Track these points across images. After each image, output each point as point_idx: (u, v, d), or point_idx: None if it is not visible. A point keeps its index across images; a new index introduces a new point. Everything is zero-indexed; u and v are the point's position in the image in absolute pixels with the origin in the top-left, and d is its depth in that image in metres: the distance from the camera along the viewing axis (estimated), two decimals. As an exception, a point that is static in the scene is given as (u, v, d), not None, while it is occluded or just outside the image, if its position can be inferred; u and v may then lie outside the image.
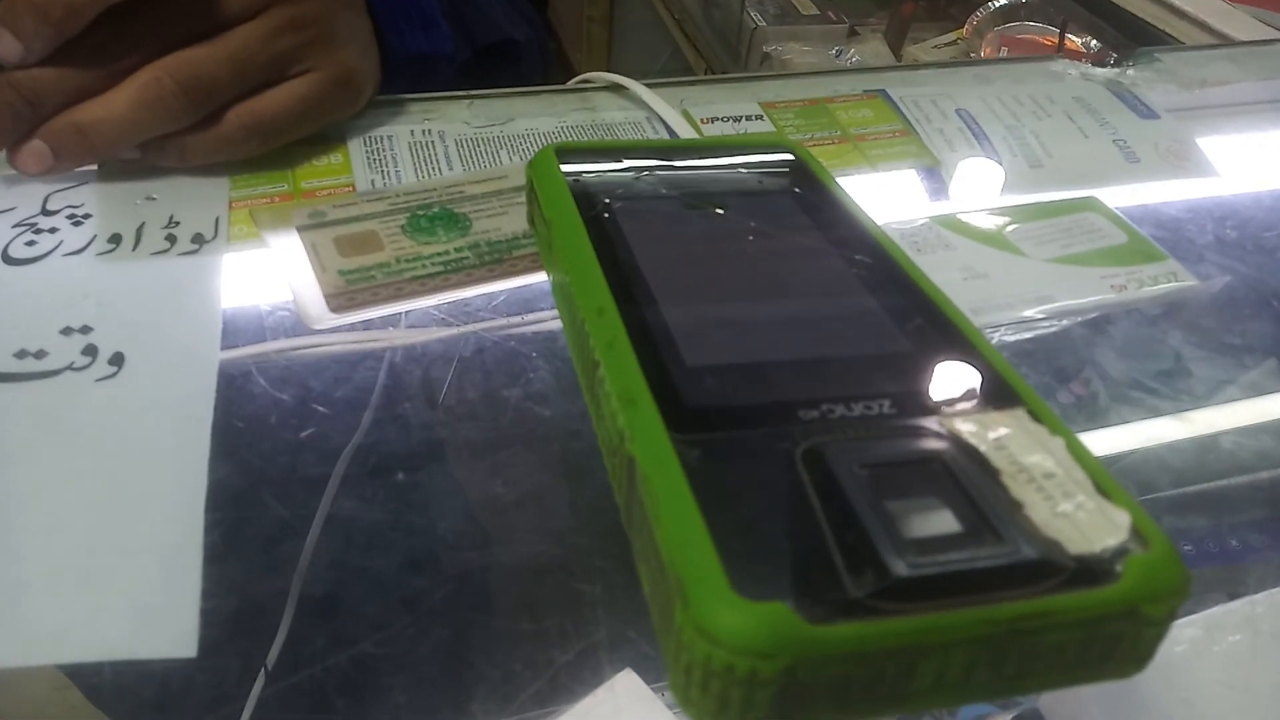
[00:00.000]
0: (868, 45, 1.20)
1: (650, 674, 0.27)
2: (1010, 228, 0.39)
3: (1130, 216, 0.41)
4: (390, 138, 0.41)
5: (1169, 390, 0.32)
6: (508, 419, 0.26)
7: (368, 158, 0.40)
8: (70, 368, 0.31)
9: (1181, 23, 0.77)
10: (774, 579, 0.18)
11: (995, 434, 0.22)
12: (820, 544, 0.19)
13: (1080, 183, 0.44)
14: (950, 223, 0.39)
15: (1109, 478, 0.21)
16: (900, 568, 0.18)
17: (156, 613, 0.26)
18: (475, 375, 0.30)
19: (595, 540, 0.26)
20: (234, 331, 0.31)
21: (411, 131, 0.42)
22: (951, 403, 0.23)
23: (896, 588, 0.18)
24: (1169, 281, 0.36)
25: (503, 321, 0.31)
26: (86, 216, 0.35)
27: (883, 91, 0.48)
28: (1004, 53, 0.98)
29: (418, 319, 0.32)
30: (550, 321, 0.32)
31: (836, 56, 1.43)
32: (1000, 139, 0.46)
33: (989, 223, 0.39)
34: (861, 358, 0.24)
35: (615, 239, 0.29)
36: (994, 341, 0.33)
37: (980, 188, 0.43)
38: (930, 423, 0.22)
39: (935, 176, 0.44)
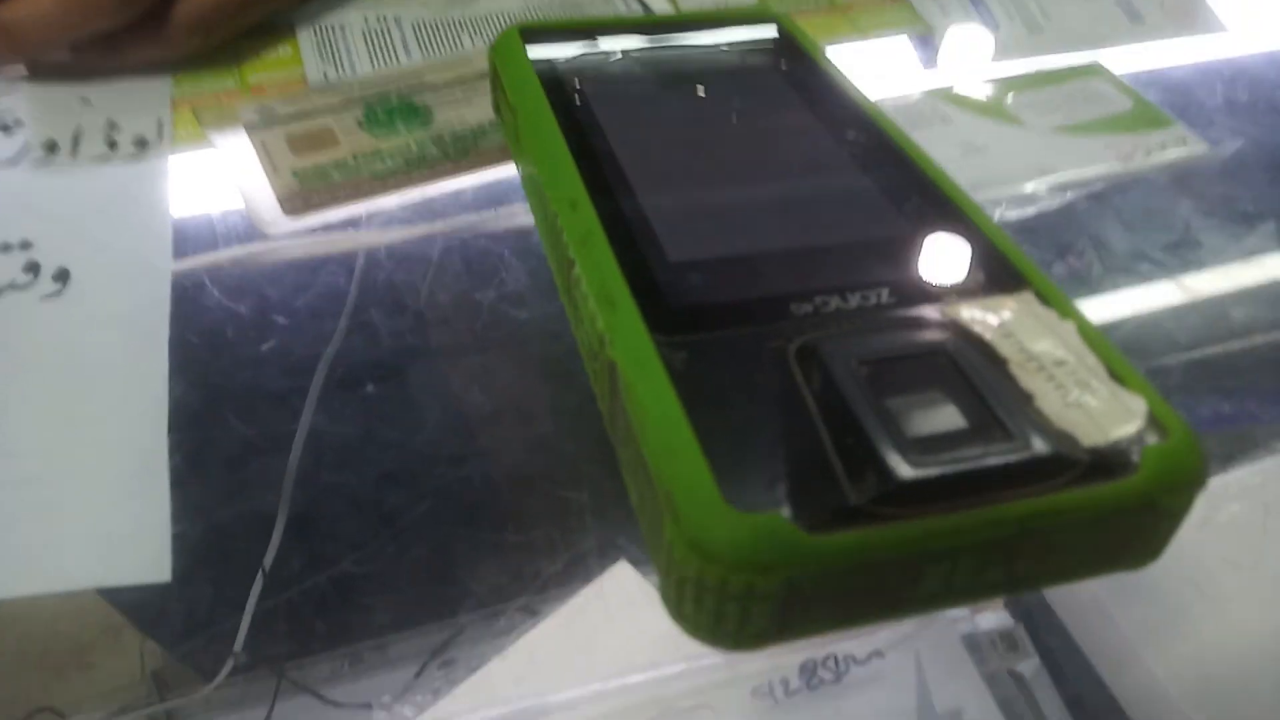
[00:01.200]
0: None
1: (646, 570, 0.26)
2: (1010, 97, 0.36)
3: (1136, 80, 0.39)
4: (342, 26, 0.38)
5: (1176, 261, 0.30)
6: (481, 323, 0.24)
7: (319, 48, 0.37)
8: (11, 286, 0.29)
9: None
10: (769, 488, 0.17)
11: (1002, 320, 0.20)
12: (818, 448, 0.17)
13: (1082, 45, 0.41)
14: (947, 95, 0.36)
15: (1123, 362, 0.19)
16: (903, 470, 0.16)
17: (126, 539, 0.25)
18: (445, 278, 0.28)
19: (581, 447, 0.25)
20: (185, 240, 0.29)
21: (365, 18, 0.39)
22: (954, 288, 0.21)
23: (899, 491, 0.16)
24: (1177, 148, 0.34)
25: (473, 218, 0.29)
26: (17, 123, 0.33)
27: (870, -46, 0.45)
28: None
29: (381, 220, 0.30)
30: (523, 216, 0.30)
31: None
32: (997, 1, 0.43)
33: (987, 93, 0.37)
34: (856, 244, 0.23)
35: (587, 125, 0.27)
36: (995, 219, 0.31)
37: (976, 55, 0.41)
38: (932, 311, 0.20)
39: (928, 44, 0.41)
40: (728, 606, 0.16)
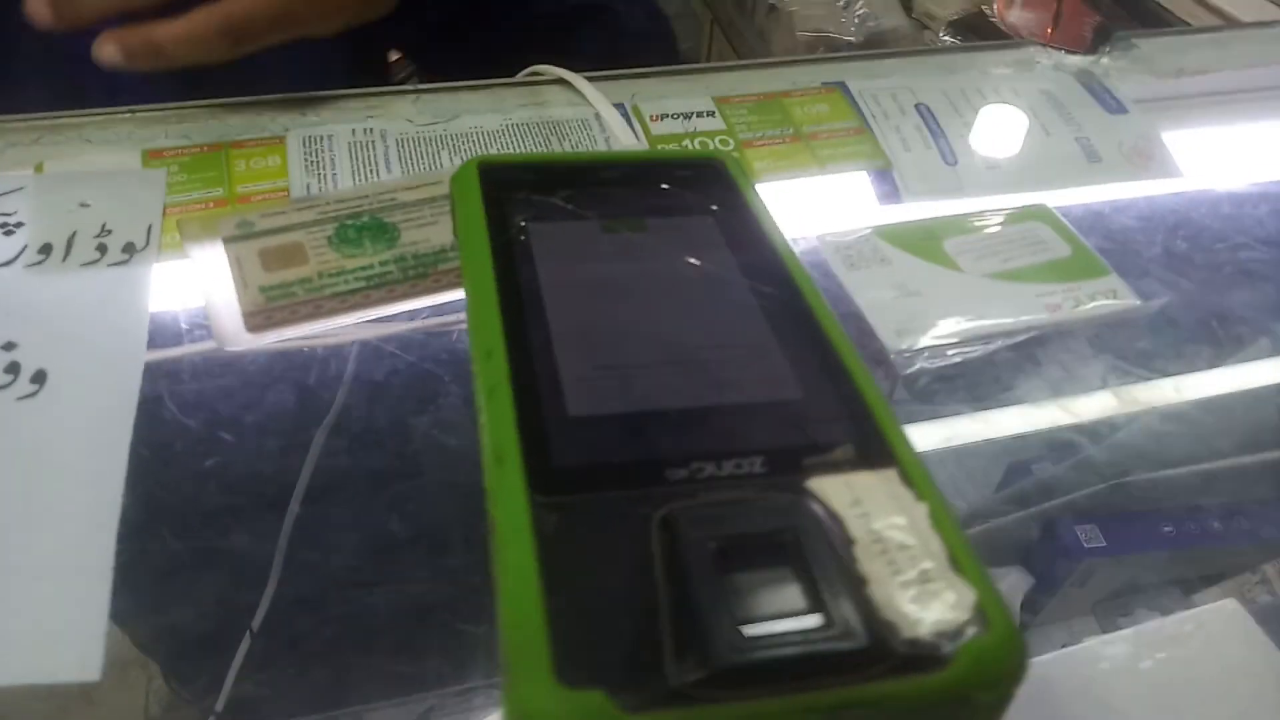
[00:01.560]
0: (878, -1, 1.17)
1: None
2: (951, 240, 0.38)
3: (1083, 221, 0.40)
4: (330, 137, 0.41)
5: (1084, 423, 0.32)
6: (413, 449, 0.26)
7: (305, 159, 0.40)
8: (-8, 386, 0.31)
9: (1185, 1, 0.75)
10: (601, 664, 0.18)
11: (858, 498, 0.22)
12: (654, 626, 0.19)
13: (1037, 184, 0.43)
14: (890, 234, 0.38)
15: (966, 550, 0.21)
16: (722, 656, 0.18)
17: (60, 636, 0.27)
18: (387, 400, 0.31)
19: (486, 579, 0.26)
20: (155, 347, 0.32)
21: (353, 130, 0.41)
22: (824, 462, 0.23)
23: (717, 676, 0.18)
24: (1107, 299, 0.36)
25: (419, 341, 0.31)
26: (19, 225, 0.36)
27: (842, 85, 0.47)
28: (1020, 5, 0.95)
29: (337, 339, 0.32)
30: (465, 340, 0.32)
31: (844, 9, 1.40)
32: (958, 137, 0.45)
33: (929, 234, 0.39)
34: (741, 408, 0.24)
35: (522, 266, 0.29)
36: (915, 368, 0.33)
37: (931, 191, 0.42)
38: (796, 485, 0.22)
39: (887, 179, 0.43)
40: (553, 778, 0.18)
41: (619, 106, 0.44)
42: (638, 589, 0.20)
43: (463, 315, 0.29)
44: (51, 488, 0.29)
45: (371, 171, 0.39)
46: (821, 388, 0.25)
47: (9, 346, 0.32)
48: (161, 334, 0.32)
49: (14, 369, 0.32)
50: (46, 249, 0.35)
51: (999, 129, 0.46)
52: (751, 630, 0.19)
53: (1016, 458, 0.36)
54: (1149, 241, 0.39)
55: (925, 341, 0.34)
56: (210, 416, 0.30)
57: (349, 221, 0.36)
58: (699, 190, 0.33)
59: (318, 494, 0.28)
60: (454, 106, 0.43)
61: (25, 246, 0.35)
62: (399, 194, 0.38)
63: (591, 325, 0.27)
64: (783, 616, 0.19)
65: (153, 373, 0.30)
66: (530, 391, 0.24)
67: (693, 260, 0.30)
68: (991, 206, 0.41)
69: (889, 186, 0.43)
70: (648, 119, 0.44)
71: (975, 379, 0.33)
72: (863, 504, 0.22)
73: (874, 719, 0.18)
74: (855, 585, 0.20)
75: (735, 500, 0.21)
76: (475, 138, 0.42)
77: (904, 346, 0.33)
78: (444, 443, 0.28)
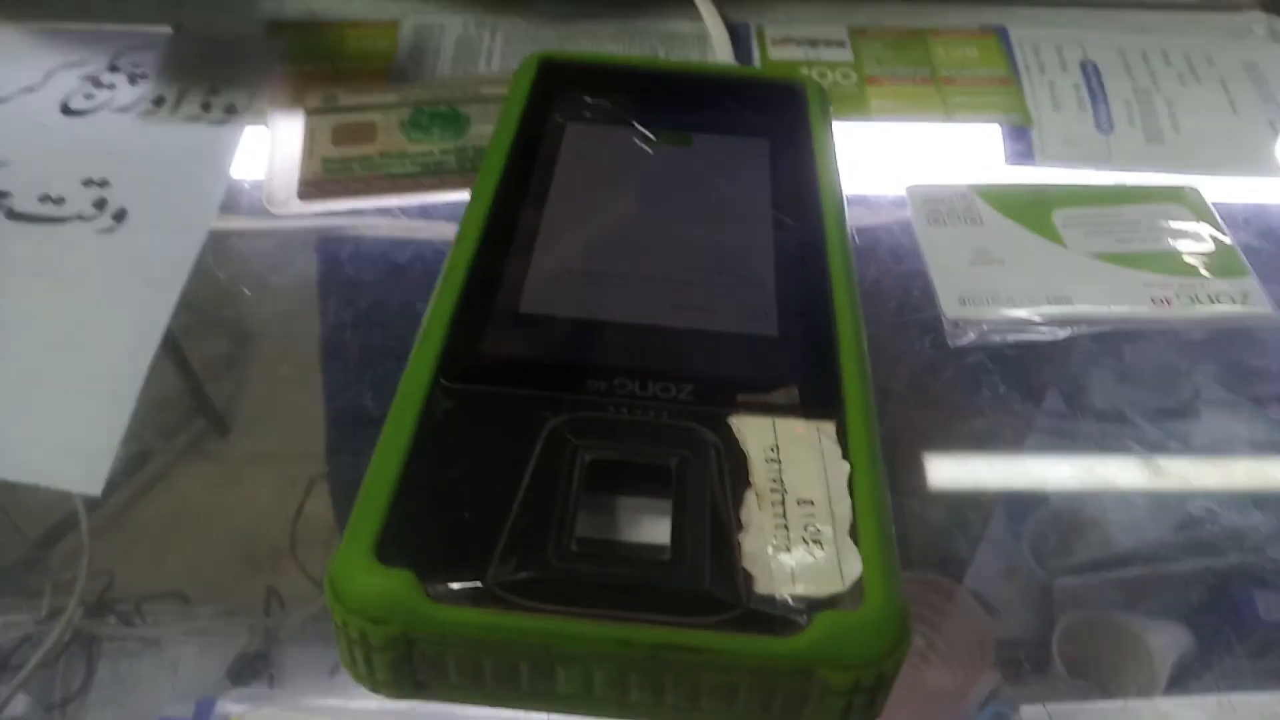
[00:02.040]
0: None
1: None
2: (1064, 210, 0.34)
3: (1240, 215, 0.34)
4: (442, 26, 0.41)
5: (1156, 433, 0.27)
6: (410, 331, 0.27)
7: (413, 45, 0.40)
8: (79, 217, 0.34)
9: None
10: (424, 550, 0.17)
11: (777, 445, 0.20)
12: (497, 525, 0.18)
13: (1203, 167, 0.37)
14: (992, 194, 0.34)
15: (875, 523, 0.18)
16: (539, 564, 0.17)
17: (75, 450, 0.29)
18: (404, 281, 0.31)
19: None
20: (226, 204, 0.33)
21: (465, 22, 0.41)
22: (757, 401, 0.21)
23: (528, 583, 0.17)
24: (1231, 303, 0.30)
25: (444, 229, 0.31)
26: (143, 76, 0.38)
27: (1001, 29, 0.42)
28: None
29: (376, 215, 0.32)
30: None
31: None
32: (1122, 103, 0.39)
33: (1039, 200, 0.34)
34: (695, 333, 0.22)
35: (540, 162, 0.28)
36: (967, 340, 0.29)
37: (1071, 157, 0.38)
38: (714, 418, 0.20)
39: (1023, 138, 0.38)
40: (354, 650, 0.17)
41: (742, 25, 0.42)
42: (498, 489, 0.18)
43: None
44: (104, 314, 0.31)
45: (472, 65, 0.39)
46: (793, 329, 0.23)
47: (103, 183, 0.35)
48: (234, 191, 0.34)
49: (101, 204, 0.34)
50: (160, 100, 0.37)
51: (1175, 99, 0.40)
52: (590, 551, 0.17)
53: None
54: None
55: (989, 313, 0.30)
56: (241, 270, 0.31)
57: (425, 108, 0.36)
58: (764, 113, 0.31)
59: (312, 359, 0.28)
60: (572, 13, 0.42)
61: (142, 96, 0.38)
62: (483, 87, 0.37)
63: (582, 228, 0.26)
64: (629, 545, 0.17)
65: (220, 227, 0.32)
66: (484, 281, 0.23)
67: (720, 181, 0.28)
68: (1130, 183, 0.36)
69: (1022, 146, 0.38)
70: (769, 42, 0.41)
71: (1040, 368, 0.29)
72: (780, 451, 0.19)
73: (705, 670, 0.17)
74: (725, 530, 0.18)
75: (636, 421, 0.20)
76: (582, 41, 0.41)
77: (962, 315, 0.30)
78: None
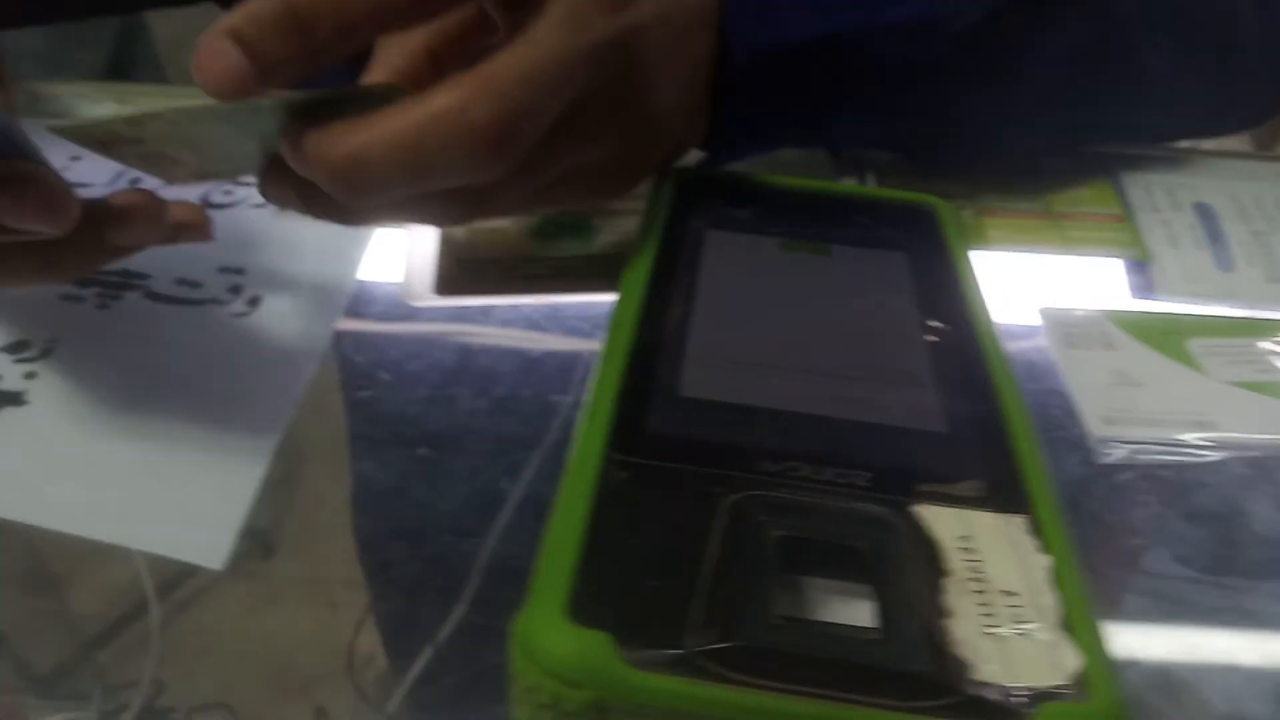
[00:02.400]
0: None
1: None
2: (1198, 340, 0.33)
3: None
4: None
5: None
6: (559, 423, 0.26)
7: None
8: (214, 301, 0.35)
9: None
10: (621, 612, 0.16)
11: (970, 535, 0.19)
12: (691, 592, 0.17)
13: (1329, 307, 0.37)
14: (1124, 320, 0.34)
15: (1087, 616, 0.17)
16: (744, 635, 0.16)
17: (201, 523, 0.28)
18: (533, 378, 0.31)
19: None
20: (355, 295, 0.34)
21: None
22: (939, 492, 0.20)
23: (731, 654, 0.16)
24: (1388, 435, 0.29)
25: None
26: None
27: (1110, 172, 0.43)
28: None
29: (505, 317, 0.33)
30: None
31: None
32: (1240, 243, 0.39)
33: (1172, 328, 0.34)
34: (864, 425, 0.22)
35: (686, 262, 0.28)
36: (1117, 457, 0.28)
37: (1194, 294, 0.37)
38: (900, 505, 0.19)
39: (1142, 272, 0.38)
40: (542, 714, 0.16)
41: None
42: (685, 558, 0.18)
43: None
44: (235, 394, 0.32)
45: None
46: (964, 426, 0.22)
47: (238, 270, 0.36)
48: (365, 283, 0.35)
49: (236, 290, 0.35)
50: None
51: (1294, 242, 0.39)
52: (791, 626, 0.16)
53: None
54: None
55: (1138, 434, 0.29)
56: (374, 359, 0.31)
57: (554, 218, 0.37)
58: (898, 229, 0.31)
59: (442, 443, 0.28)
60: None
61: (248, 194, 0.39)
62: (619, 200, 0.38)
63: (736, 324, 0.26)
64: (828, 621, 0.17)
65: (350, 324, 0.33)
66: (646, 364, 0.23)
67: (863, 288, 0.28)
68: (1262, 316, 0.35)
69: (1144, 280, 0.38)
70: (887, 175, 0.42)
71: (1193, 489, 0.28)
72: (973, 541, 0.19)
73: (912, 763, 0.15)
74: (932, 614, 0.17)
75: (818, 504, 0.19)
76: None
77: (1110, 434, 0.29)
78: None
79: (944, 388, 0.23)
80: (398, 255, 0.35)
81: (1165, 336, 0.33)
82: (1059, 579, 0.18)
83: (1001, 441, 0.21)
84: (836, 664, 0.16)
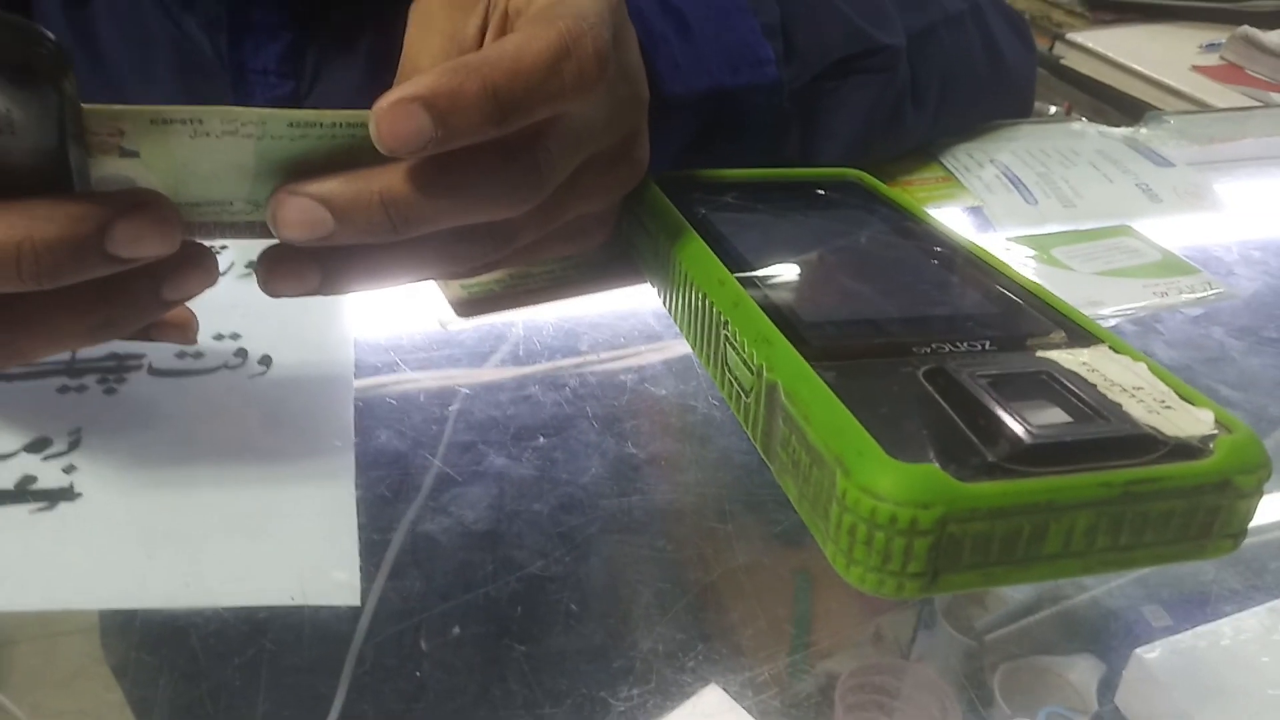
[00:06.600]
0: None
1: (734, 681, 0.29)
2: (1056, 249, 0.43)
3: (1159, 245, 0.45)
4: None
5: (1213, 372, 0.35)
6: (626, 397, 0.29)
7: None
8: (225, 366, 0.34)
9: (1174, 99, 0.84)
10: (921, 450, 0.21)
11: (1085, 361, 0.25)
12: (955, 428, 0.22)
13: (1111, 217, 0.48)
14: (1006, 243, 0.43)
15: (1190, 389, 0.24)
16: (1028, 437, 0.21)
17: (321, 567, 0.28)
18: (593, 363, 0.34)
19: (721, 489, 0.29)
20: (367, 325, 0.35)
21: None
22: (1045, 343, 0.26)
23: (1027, 452, 0.21)
24: (1204, 290, 0.40)
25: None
26: (224, 246, 0.39)
27: (923, 149, 0.53)
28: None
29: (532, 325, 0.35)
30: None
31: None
32: (1034, 184, 0.50)
33: (1040, 245, 0.43)
34: (958, 313, 0.28)
35: (718, 236, 0.33)
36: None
37: (1018, 224, 0.47)
38: (1028, 354, 0.25)
39: (979, 215, 0.48)
40: (895, 543, 0.20)
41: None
42: (926, 411, 0.22)
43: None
44: (291, 441, 0.31)
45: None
46: (1020, 300, 0.29)
47: (235, 336, 0.35)
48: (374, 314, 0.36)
49: (242, 353, 0.34)
50: (251, 264, 0.38)
51: (1068, 178, 0.51)
52: (1045, 426, 0.21)
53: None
54: (1225, 251, 0.44)
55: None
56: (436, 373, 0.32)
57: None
58: (849, 194, 0.38)
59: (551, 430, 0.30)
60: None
61: (233, 262, 0.38)
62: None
63: (806, 269, 0.31)
64: (1065, 421, 0.22)
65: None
66: (767, 304, 0.27)
67: (868, 234, 0.34)
68: (1078, 229, 0.46)
69: (980, 220, 0.48)
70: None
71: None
72: (1090, 364, 0.25)
73: (1154, 500, 0.21)
74: (1114, 407, 0.23)
75: (986, 359, 0.25)
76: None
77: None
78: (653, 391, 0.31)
79: (977, 283, 0.30)
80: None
81: (1035, 252, 0.42)
82: (1157, 372, 0.24)
83: (1049, 306, 0.28)
84: (1096, 444, 0.21)
